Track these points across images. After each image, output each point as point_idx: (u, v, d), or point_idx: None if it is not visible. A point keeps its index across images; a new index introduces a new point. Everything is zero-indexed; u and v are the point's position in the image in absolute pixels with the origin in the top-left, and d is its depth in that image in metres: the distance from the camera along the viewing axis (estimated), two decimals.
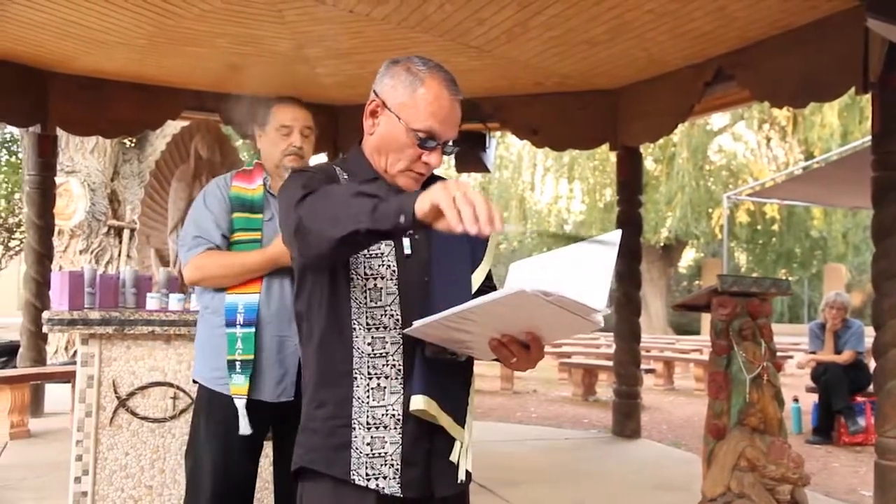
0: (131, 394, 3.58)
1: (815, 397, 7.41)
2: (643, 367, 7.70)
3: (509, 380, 10.56)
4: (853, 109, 15.87)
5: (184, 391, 3.56)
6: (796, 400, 7.66)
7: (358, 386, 1.69)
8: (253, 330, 2.57)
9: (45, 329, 3.56)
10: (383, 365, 1.70)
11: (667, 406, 9.46)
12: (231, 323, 2.58)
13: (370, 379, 1.69)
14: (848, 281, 25.57)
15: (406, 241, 1.75)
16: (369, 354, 1.70)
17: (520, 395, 10.23)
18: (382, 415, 1.69)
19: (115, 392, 3.57)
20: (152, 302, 3.68)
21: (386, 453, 1.69)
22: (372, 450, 1.68)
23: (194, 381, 2.75)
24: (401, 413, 1.70)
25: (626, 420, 6.94)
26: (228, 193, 2.70)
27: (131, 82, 6.60)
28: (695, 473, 4.08)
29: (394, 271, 1.71)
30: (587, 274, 1.58)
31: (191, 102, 6.85)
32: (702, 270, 27.36)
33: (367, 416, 1.69)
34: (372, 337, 1.70)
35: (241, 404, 2.56)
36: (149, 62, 6.12)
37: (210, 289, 2.68)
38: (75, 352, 3.81)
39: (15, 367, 7.28)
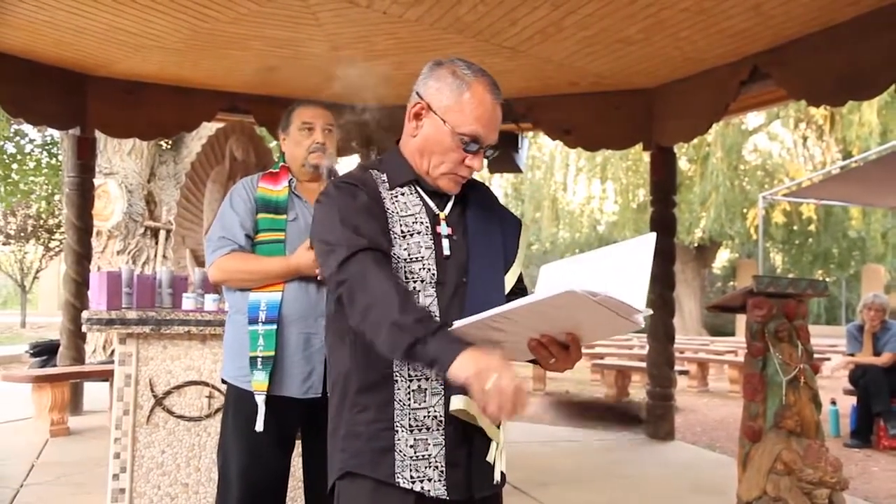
0: (168, 392, 3.63)
1: (853, 400, 7.29)
2: (677, 368, 7.64)
3: (542, 381, 10.52)
4: (893, 107, 15.59)
5: (219, 390, 3.60)
6: (834, 402, 7.55)
7: (399, 389, 1.70)
8: (275, 327, 2.60)
9: (84, 328, 3.63)
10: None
11: (701, 408, 9.36)
12: (253, 320, 2.62)
13: (411, 381, 1.70)
14: (887, 282, 25.12)
15: (445, 243, 1.77)
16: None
17: (552, 396, 10.19)
18: (424, 416, 1.70)
19: (152, 391, 3.62)
20: (188, 302, 3.73)
21: (430, 455, 1.69)
22: (416, 452, 1.69)
23: (223, 381, 2.78)
24: (443, 414, 1.70)
25: (660, 422, 6.89)
26: (255, 194, 2.74)
27: (168, 85, 6.70)
28: (730, 476, 4.04)
29: (433, 274, 1.73)
30: (625, 276, 1.58)
31: (226, 104, 6.94)
32: (736, 271, 27.05)
33: (410, 419, 1.69)
34: None
35: (260, 400, 2.59)
36: (185, 65, 6.21)
37: (235, 289, 2.72)
38: (113, 351, 3.87)
39: (55, 365, 7.39)
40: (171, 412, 3.64)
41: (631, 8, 4.77)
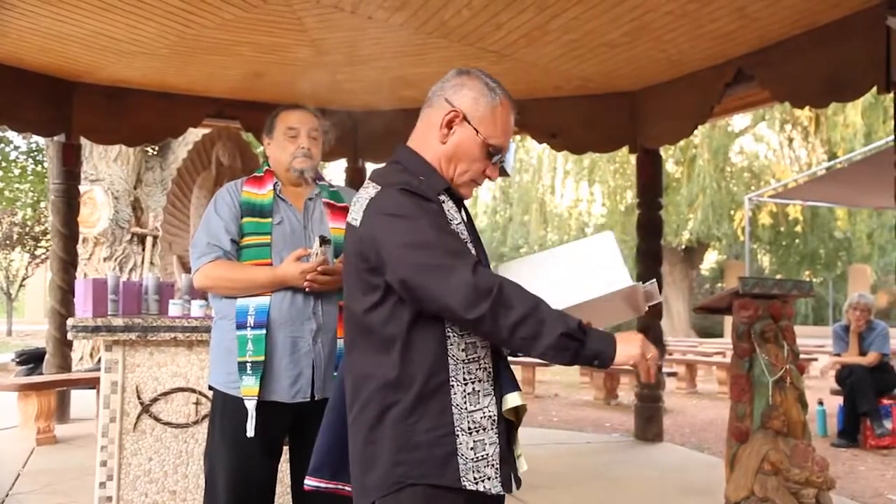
0: (154, 399, 3.62)
1: (840, 400, 7.33)
2: (665, 370, 7.66)
3: (531, 383, 10.52)
4: (877, 109, 15.70)
5: (206, 397, 3.59)
6: (821, 402, 7.59)
7: (455, 393, 1.74)
8: (263, 332, 2.58)
9: (69, 336, 3.61)
10: (476, 369, 1.76)
11: (689, 409, 9.39)
12: (242, 325, 2.60)
13: (466, 385, 1.75)
14: (873, 282, 25.31)
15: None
16: (464, 361, 1.75)
17: (541, 399, 10.20)
18: (481, 418, 1.75)
19: (139, 398, 3.61)
20: (174, 308, 3.72)
21: (487, 455, 1.74)
22: (476, 454, 1.73)
23: (210, 388, 2.77)
24: (496, 414, 1.76)
25: (649, 424, 6.91)
26: (239, 199, 2.73)
27: (154, 91, 6.68)
28: (718, 477, 4.05)
29: None
30: (610, 271, 1.66)
31: (212, 110, 6.92)
32: (724, 272, 27.18)
33: (468, 422, 1.74)
34: (465, 343, 1.75)
35: (251, 406, 2.57)
36: (171, 71, 6.19)
37: (221, 295, 2.71)
38: (100, 358, 3.85)
39: (41, 373, 7.35)
40: (157, 419, 3.62)
41: (615, 11, 4.79)
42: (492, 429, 1.75)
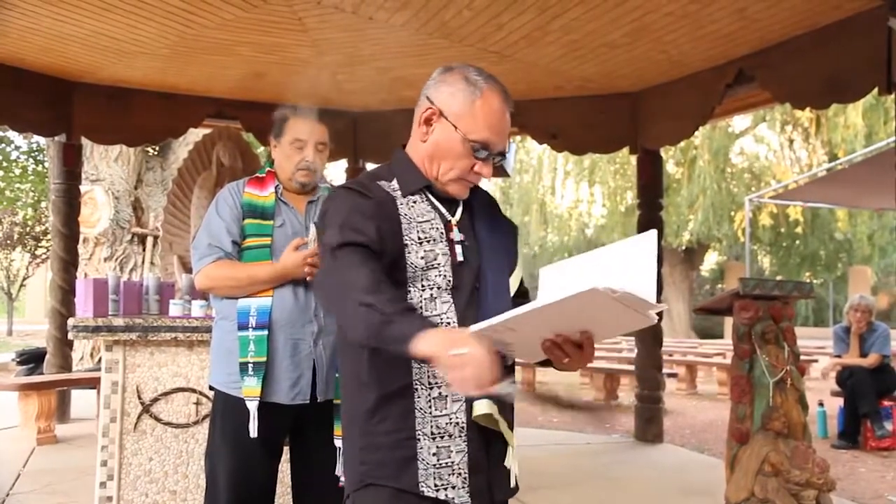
0: (155, 399, 3.62)
1: (840, 401, 7.33)
2: (665, 371, 7.66)
3: (531, 384, 10.52)
4: (878, 110, 15.69)
5: (206, 397, 3.59)
6: (821, 404, 7.58)
7: (419, 397, 1.69)
8: (265, 333, 2.58)
9: (70, 336, 3.61)
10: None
11: (690, 410, 9.39)
12: (243, 326, 2.60)
13: (431, 389, 1.69)
14: (874, 283, 25.33)
15: (458, 249, 1.77)
16: (429, 364, 1.70)
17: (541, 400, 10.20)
18: (446, 424, 1.69)
19: (139, 398, 3.61)
20: (175, 308, 3.72)
21: (453, 462, 1.69)
22: (438, 460, 1.68)
23: (211, 388, 2.77)
24: (464, 421, 1.70)
25: (649, 425, 6.90)
26: (241, 200, 2.73)
27: (154, 91, 6.68)
28: (718, 478, 4.05)
29: (449, 280, 1.73)
30: (633, 273, 1.59)
31: (213, 110, 6.92)
32: (724, 273, 27.20)
33: (431, 427, 1.68)
34: None
35: (252, 406, 2.57)
36: (171, 71, 6.19)
37: (223, 296, 2.71)
38: (100, 358, 3.86)
39: (42, 373, 7.35)
40: (158, 419, 3.63)
41: (616, 12, 4.79)
42: (459, 436, 1.69)
